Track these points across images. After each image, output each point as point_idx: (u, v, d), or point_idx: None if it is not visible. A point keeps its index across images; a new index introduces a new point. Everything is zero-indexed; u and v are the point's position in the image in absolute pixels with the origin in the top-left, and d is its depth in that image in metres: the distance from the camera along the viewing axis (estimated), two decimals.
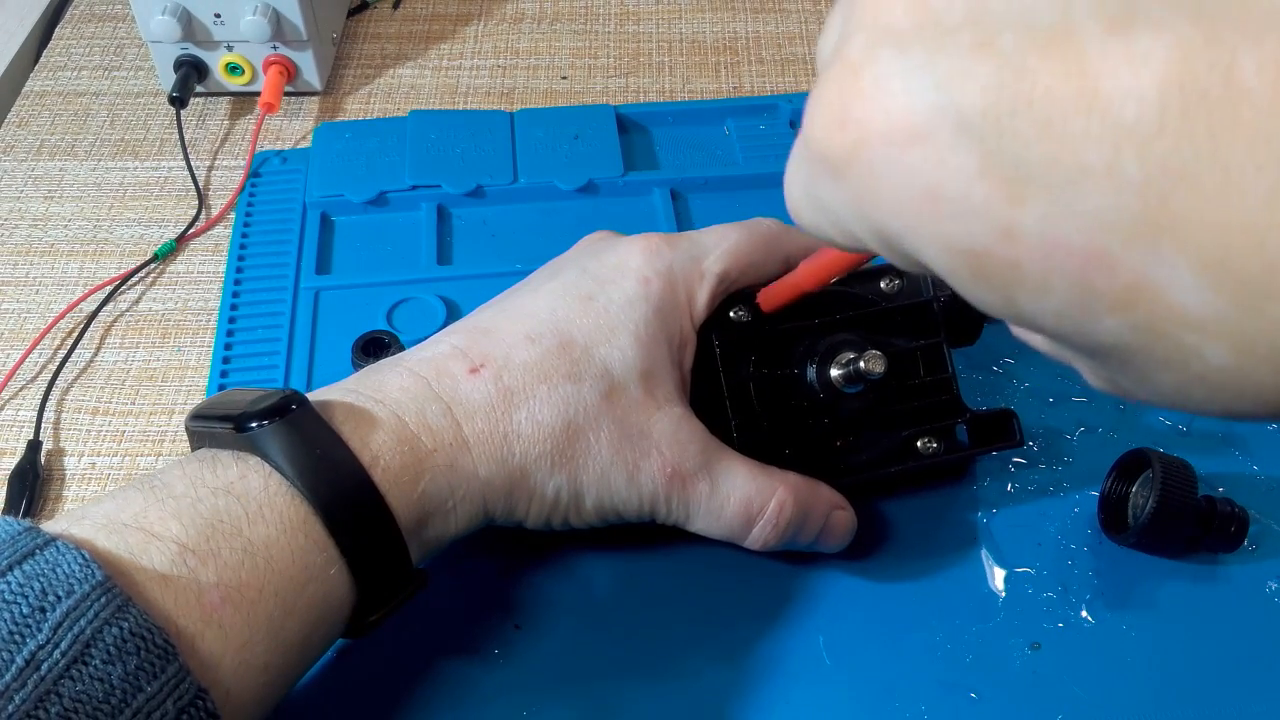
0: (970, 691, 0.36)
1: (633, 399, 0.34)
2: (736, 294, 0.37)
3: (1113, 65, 0.14)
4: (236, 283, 0.49)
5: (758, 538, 0.35)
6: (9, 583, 0.25)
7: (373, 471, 0.31)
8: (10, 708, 0.23)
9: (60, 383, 0.47)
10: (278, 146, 0.57)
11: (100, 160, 0.57)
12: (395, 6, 0.66)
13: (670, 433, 0.34)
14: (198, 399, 0.46)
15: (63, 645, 0.24)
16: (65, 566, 0.25)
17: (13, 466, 0.43)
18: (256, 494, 0.29)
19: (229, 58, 0.57)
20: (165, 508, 0.28)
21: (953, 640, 0.37)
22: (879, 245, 0.19)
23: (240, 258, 0.50)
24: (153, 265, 0.52)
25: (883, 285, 0.38)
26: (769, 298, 0.36)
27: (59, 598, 0.25)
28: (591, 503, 0.34)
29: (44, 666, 0.24)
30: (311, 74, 0.58)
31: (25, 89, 0.61)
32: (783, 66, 0.62)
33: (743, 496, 0.35)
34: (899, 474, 0.38)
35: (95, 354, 0.48)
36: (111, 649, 0.25)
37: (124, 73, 0.62)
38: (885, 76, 0.17)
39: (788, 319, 0.37)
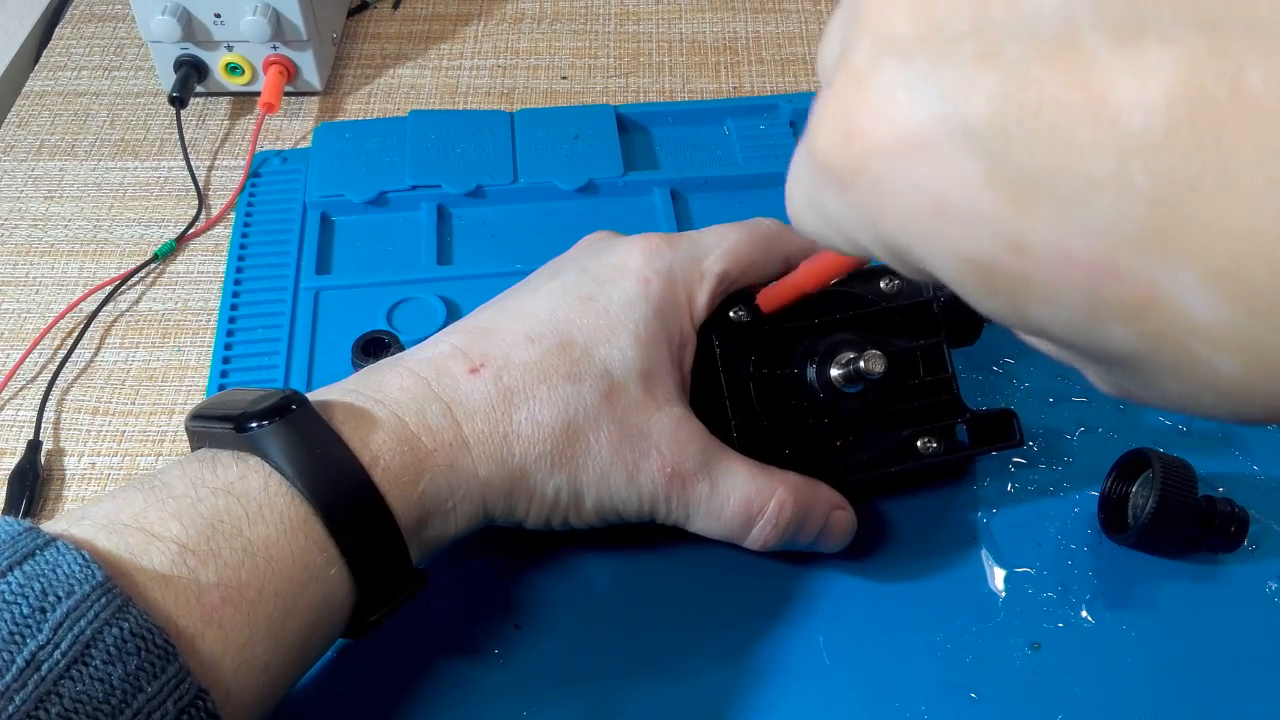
0: (970, 691, 0.36)
1: (632, 399, 0.34)
2: (736, 294, 0.37)
3: (1119, 76, 0.14)
4: (236, 283, 0.49)
5: (757, 538, 0.35)
6: (9, 583, 0.25)
7: (373, 472, 0.31)
8: (10, 708, 0.23)
9: (60, 383, 0.47)
10: (278, 146, 0.57)
11: (100, 160, 0.57)
12: (395, 6, 0.66)
13: (670, 433, 0.34)
14: (198, 399, 0.46)
15: (63, 646, 0.24)
16: (65, 567, 0.25)
17: (13, 466, 0.43)
18: (256, 494, 0.29)
19: (229, 58, 0.57)
20: (165, 508, 0.28)
21: (953, 640, 0.37)
22: (885, 255, 0.19)
23: (240, 258, 0.50)
24: (153, 265, 0.52)
25: (883, 285, 0.38)
26: (769, 298, 0.36)
27: (59, 598, 0.25)
28: (591, 503, 0.34)
29: (44, 667, 0.24)
30: (311, 74, 0.58)
31: (25, 89, 0.61)
32: (783, 66, 0.62)
33: (742, 496, 0.35)
34: (899, 474, 0.38)
35: (95, 354, 0.48)
36: (112, 649, 0.25)
37: (124, 73, 0.62)
38: (890, 87, 0.16)
39: (788, 319, 0.37)
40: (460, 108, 0.60)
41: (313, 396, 0.32)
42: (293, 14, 0.56)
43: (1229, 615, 0.37)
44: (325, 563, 0.30)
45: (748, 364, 0.37)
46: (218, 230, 0.53)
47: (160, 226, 0.54)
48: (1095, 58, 0.14)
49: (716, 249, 0.37)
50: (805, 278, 0.34)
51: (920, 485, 0.41)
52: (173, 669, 0.25)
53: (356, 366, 0.43)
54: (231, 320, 0.47)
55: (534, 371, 0.33)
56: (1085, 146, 0.14)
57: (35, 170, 0.56)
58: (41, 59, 0.63)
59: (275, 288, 0.49)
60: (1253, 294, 0.14)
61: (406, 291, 0.48)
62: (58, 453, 0.45)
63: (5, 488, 0.43)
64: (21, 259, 0.52)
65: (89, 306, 0.50)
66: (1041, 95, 0.15)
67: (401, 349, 0.43)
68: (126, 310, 0.50)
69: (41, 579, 0.25)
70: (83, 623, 0.25)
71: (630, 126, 0.57)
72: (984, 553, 0.39)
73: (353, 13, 0.65)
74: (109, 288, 0.50)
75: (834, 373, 0.35)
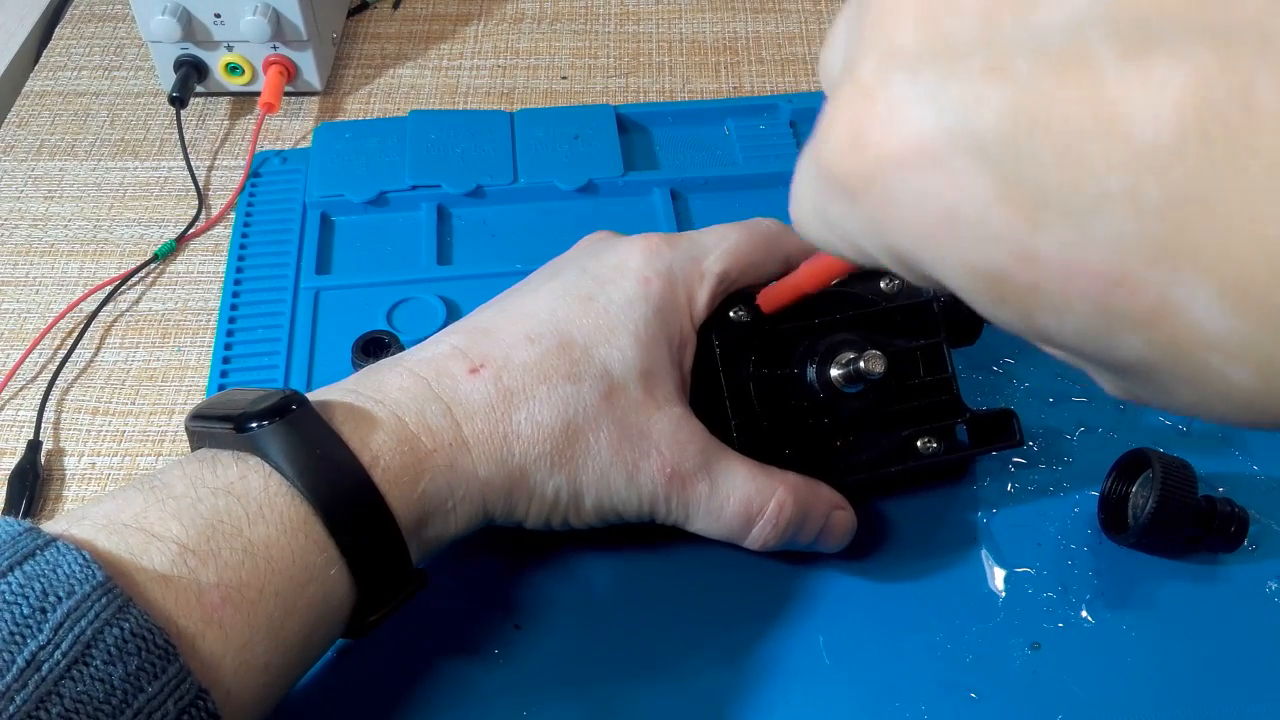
0: (970, 691, 0.36)
1: (632, 399, 0.34)
2: (736, 294, 0.37)
3: (1130, 90, 0.14)
4: (236, 283, 0.49)
5: (757, 538, 0.35)
6: (10, 583, 0.25)
7: (373, 472, 0.31)
8: (11, 708, 0.23)
9: (60, 383, 0.47)
10: (278, 146, 0.57)
11: (100, 160, 0.57)
12: (395, 6, 0.66)
13: (670, 433, 0.34)
14: (198, 399, 0.46)
15: (63, 646, 0.24)
16: (66, 567, 0.25)
17: (13, 466, 0.43)
18: (257, 494, 0.29)
19: (229, 58, 0.57)
20: (165, 508, 0.28)
21: (953, 640, 0.37)
22: (894, 264, 0.19)
23: (240, 258, 0.50)
24: (153, 265, 0.52)
25: (883, 285, 0.38)
26: (769, 299, 0.36)
27: (60, 598, 0.25)
28: (591, 503, 0.34)
29: (45, 667, 0.24)
30: (311, 74, 0.58)
31: (25, 89, 0.61)
32: (783, 66, 0.62)
33: (742, 496, 0.35)
34: (899, 474, 0.38)
35: (95, 354, 0.48)
36: (112, 649, 0.25)
37: (124, 73, 0.62)
38: (899, 100, 0.17)
39: (788, 319, 0.37)
40: (460, 108, 0.60)
41: (313, 396, 0.32)
42: (293, 14, 0.56)
43: (1229, 615, 0.37)
44: (325, 563, 0.30)
45: (748, 364, 0.37)
46: (218, 230, 0.53)
47: (160, 226, 0.54)
48: (1105, 71, 0.14)
49: (716, 249, 0.37)
50: (805, 278, 0.34)
51: (920, 485, 0.41)
52: (173, 669, 0.25)
53: (356, 366, 0.43)
54: (231, 320, 0.47)
55: (534, 372, 0.33)
56: (1096, 160, 0.14)
57: (35, 170, 0.56)
58: (41, 59, 0.63)
59: (275, 288, 0.49)
60: (1265, 306, 0.14)
61: (406, 291, 0.48)
62: (58, 453, 0.45)
63: (5, 488, 0.43)
64: (21, 259, 0.52)
65: (89, 306, 0.50)
66: (1052, 109, 0.15)
67: (401, 349, 0.43)
68: (126, 310, 0.50)
69: (42, 579, 0.25)
70: (83, 623, 0.25)
71: (630, 126, 0.57)
72: (984, 553, 0.39)
73: (353, 13, 0.65)
74: (109, 288, 0.50)
75: (834, 373, 0.35)
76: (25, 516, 0.42)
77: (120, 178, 0.56)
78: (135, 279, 0.51)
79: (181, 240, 0.53)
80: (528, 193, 0.53)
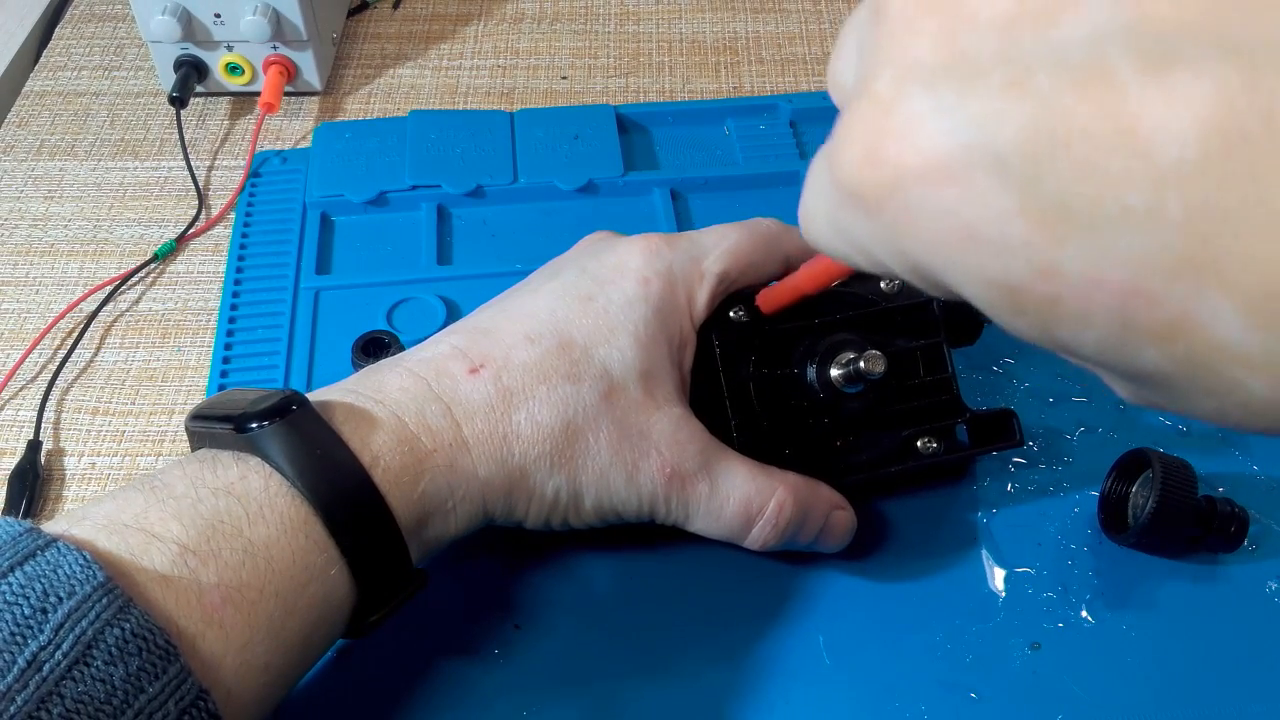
0: (970, 691, 0.36)
1: (632, 399, 0.34)
2: (736, 294, 0.37)
3: (1151, 106, 0.14)
4: (236, 283, 0.49)
5: (757, 538, 0.35)
6: (10, 584, 0.25)
7: (373, 472, 0.31)
8: (12, 709, 0.23)
9: (60, 383, 0.47)
10: (278, 146, 0.57)
11: (100, 160, 0.57)
12: (395, 6, 0.66)
13: (669, 433, 0.34)
14: (198, 399, 0.46)
15: (64, 646, 0.24)
16: (66, 568, 0.25)
17: (13, 466, 0.43)
18: (257, 494, 0.29)
19: (229, 58, 0.57)
20: (166, 508, 0.28)
21: (953, 640, 0.37)
22: (909, 275, 0.19)
23: (240, 258, 0.50)
24: (153, 265, 0.52)
25: (883, 285, 0.38)
26: (768, 300, 0.36)
27: (60, 599, 0.25)
28: (591, 503, 0.34)
29: (46, 668, 0.24)
30: (311, 74, 0.58)
31: (25, 89, 0.61)
32: (783, 66, 0.62)
33: (742, 496, 0.35)
34: (899, 474, 0.38)
35: (95, 354, 0.48)
36: (113, 650, 0.25)
37: (124, 73, 0.62)
38: (917, 115, 0.17)
39: (787, 319, 0.37)
40: (460, 108, 0.60)
41: (313, 397, 0.32)
42: (293, 14, 0.56)
43: (1229, 615, 0.37)
44: (325, 563, 0.30)
45: (748, 364, 0.37)
46: (218, 230, 0.53)
47: (160, 226, 0.54)
48: (1126, 87, 0.14)
49: (716, 249, 0.37)
50: (805, 280, 0.34)
51: (920, 485, 0.41)
52: (174, 669, 0.25)
53: (356, 366, 0.43)
54: (231, 320, 0.47)
55: (534, 372, 0.33)
56: (1118, 176, 0.15)
57: (35, 170, 0.56)
58: (41, 59, 0.63)
59: (275, 288, 0.49)
60: None
61: (406, 291, 0.48)
62: (58, 453, 0.45)
63: (5, 488, 0.43)
64: (21, 259, 0.52)
65: (89, 306, 0.50)
66: (1073, 125, 0.15)
67: (401, 349, 0.43)
68: (126, 310, 0.50)
69: (42, 580, 0.25)
70: (84, 623, 0.25)
71: (630, 126, 0.57)
72: (984, 553, 0.39)
73: (353, 13, 0.65)
74: (109, 288, 0.50)
75: (834, 373, 0.35)
76: (25, 516, 0.42)
77: (120, 178, 0.56)
78: (135, 279, 0.51)
79: (181, 240, 0.53)
80: (528, 193, 0.53)
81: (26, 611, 0.24)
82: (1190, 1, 0.14)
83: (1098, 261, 0.15)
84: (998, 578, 0.39)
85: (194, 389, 0.47)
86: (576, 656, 0.37)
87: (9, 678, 0.24)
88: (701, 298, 0.36)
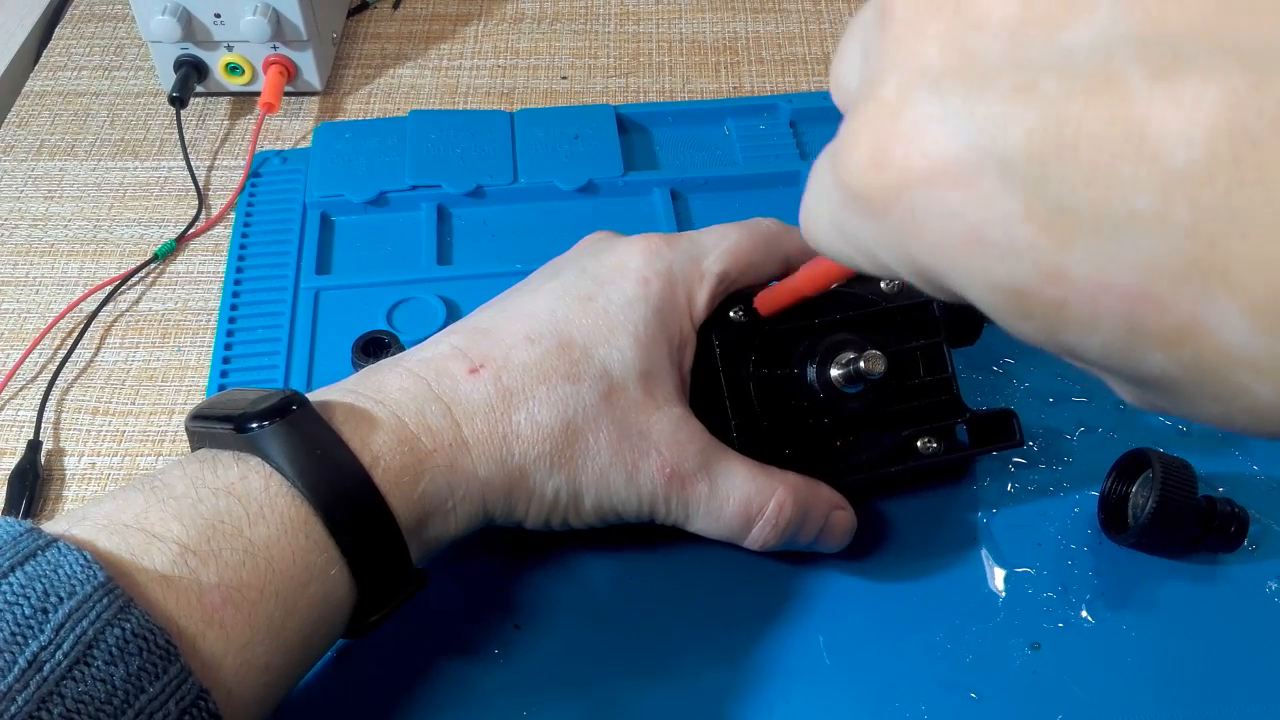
0: (970, 691, 0.36)
1: (632, 399, 0.34)
2: (736, 294, 0.37)
3: (1160, 111, 0.14)
4: (236, 283, 0.49)
5: (757, 538, 0.35)
6: (11, 584, 0.25)
7: (373, 472, 0.31)
8: (13, 709, 0.23)
9: (60, 383, 0.47)
10: (278, 146, 0.57)
11: (100, 160, 0.57)
12: (395, 6, 0.66)
13: (669, 433, 0.34)
14: (198, 399, 0.46)
15: (65, 646, 0.24)
16: (67, 568, 0.25)
17: (13, 466, 0.43)
18: (257, 494, 0.29)
19: (229, 58, 0.57)
20: (166, 508, 0.28)
21: (953, 640, 0.37)
22: (915, 278, 0.19)
23: (240, 258, 0.50)
24: (153, 265, 0.52)
25: (883, 285, 0.38)
26: (767, 301, 0.36)
27: (61, 599, 0.25)
28: (591, 503, 0.34)
29: (46, 668, 0.24)
30: (311, 74, 0.58)
31: (25, 89, 0.61)
32: (783, 66, 0.62)
33: (742, 496, 0.35)
34: (899, 474, 0.38)
35: (95, 354, 0.48)
36: (114, 650, 0.25)
37: (124, 73, 0.62)
38: (925, 119, 0.17)
39: (787, 319, 0.37)
40: (460, 108, 0.60)
41: (313, 397, 0.32)
42: (293, 14, 0.56)
43: (1229, 615, 0.37)
44: (326, 563, 0.30)
45: (748, 364, 0.37)
46: (218, 230, 0.53)
47: (160, 226, 0.54)
48: (1134, 92, 0.14)
49: (716, 249, 0.37)
50: (804, 282, 0.34)
51: (920, 485, 0.41)
52: (174, 669, 0.25)
53: (356, 366, 0.43)
54: (231, 320, 0.47)
55: (533, 372, 0.33)
56: (1126, 180, 0.15)
57: (35, 170, 0.56)
58: (41, 59, 0.63)
59: (275, 288, 0.49)
60: None
61: (406, 291, 0.48)
62: (58, 453, 0.45)
63: (5, 488, 0.43)
64: (21, 259, 0.52)
65: (89, 306, 0.50)
66: (1081, 129, 0.15)
67: (401, 349, 0.43)
68: (126, 310, 0.50)
69: (43, 580, 0.25)
70: (84, 623, 0.25)
71: (630, 126, 0.57)
72: (984, 553, 0.39)
73: (353, 13, 0.65)
74: (109, 288, 0.50)
75: (834, 373, 0.35)
76: (25, 516, 0.42)
77: (120, 178, 0.56)
78: (135, 279, 0.51)
79: (181, 240, 0.53)
80: (528, 193, 0.53)
81: (27, 611, 0.24)
82: (1197, 7, 0.14)
83: (1105, 265, 0.15)
84: (998, 578, 0.39)
85: (194, 389, 0.47)
86: (576, 656, 0.37)
87: (10, 678, 0.24)
88: (701, 298, 0.36)
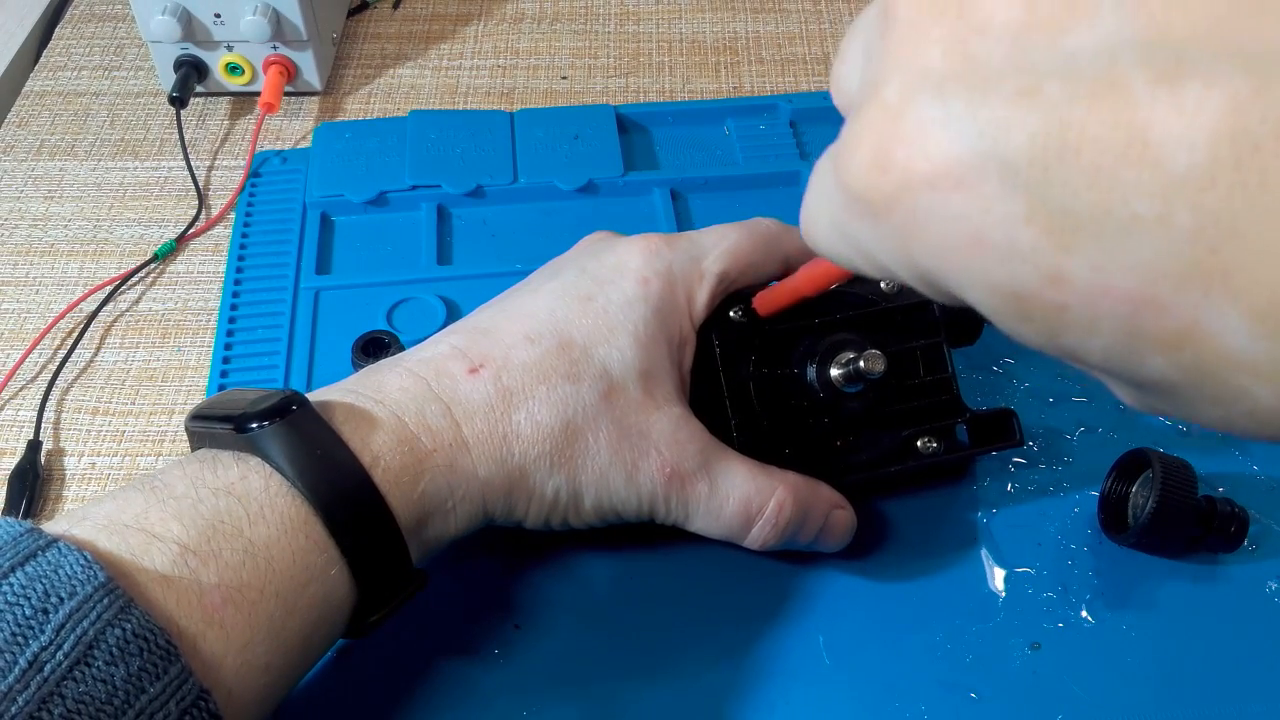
0: (970, 691, 0.36)
1: (632, 399, 0.34)
2: (736, 294, 0.37)
3: (1162, 115, 0.14)
4: (236, 283, 0.49)
5: (757, 537, 0.35)
6: (11, 584, 0.25)
7: (373, 472, 0.31)
8: (14, 709, 0.23)
9: (60, 383, 0.47)
10: (278, 146, 0.57)
11: (100, 160, 0.57)
12: (395, 6, 0.66)
13: (669, 433, 0.34)
14: (198, 399, 0.46)
15: (65, 647, 0.24)
16: (67, 568, 0.25)
17: (13, 466, 0.43)
18: (257, 494, 0.29)
19: (229, 58, 0.57)
20: (166, 508, 0.28)
21: (953, 640, 0.37)
22: (915, 281, 0.19)
23: (240, 258, 0.50)
24: (153, 265, 0.52)
25: (883, 285, 0.38)
26: (766, 302, 0.36)
27: (61, 599, 0.25)
28: (590, 503, 0.34)
29: (47, 668, 0.24)
30: (311, 74, 0.58)
31: (25, 89, 0.61)
32: (783, 66, 0.62)
33: (742, 496, 0.35)
34: (899, 474, 0.38)
35: (95, 354, 0.48)
36: (114, 650, 0.25)
37: (124, 73, 0.62)
38: (927, 122, 0.17)
39: (787, 319, 0.37)
40: (460, 108, 0.60)
41: (313, 397, 0.32)
42: (293, 14, 0.56)
43: (1229, 615, 0.37)
44: (326, 563, 0.30)
45: (747, 364, 0.37)
46: (218, 230, 0.53)
47: (160, 226, 0.54)
48: (1137, 96, 0.14)
49: (716, 249, 0.37)
50: (804, 283, 0.34)
51: (920, 485, 0.41)
52: (175, 670, 0.25)
53: (356, 366, 0.43)
54: (231, 320, 0.47)
55: (533, 372, 0.33)
56: (1128, 185, 0.15)
57: (35, 170, 0.56)
58: (41, 59, 0.63)
59: (275, 288, 0.49)
60: None
61: (406, 291, 0.48)
62: (58, 453, 0.45)
63: (5, 488, 0.43)
64: (21, 259, 0.52)
65: (89, 306, 0.50)
66: (1083, 133, 0.15)
67: (401, 349, 0.43)
68: (126, 310, 0.50)
69: (43, 580, 0.25)
70: (85, 624, 0.25)
71: (630, 126, 0.57)
72: (984, 553, 0.39)
73: (353, 13, 0.65)
74: (109, 288, 0.50)
75: (834, 372, 0.36)
76: (25, 517, 0.42)
77: (120, 178, 0.56)
78: (135, 279, 0.51)
79: (181, 240, 0.53)
80: (528, 193, 0.53)
81: (28, 612, 0.24)
82: (1201, 12, 0.14)
83: (1106, 269, 0.15)
84: (998, 578, 0.39)
85: (194, 389, 0.47)
86: (576, 656, 0.37)
87: (10, 678, 0.24)
88: (701, 298, 0.36)
